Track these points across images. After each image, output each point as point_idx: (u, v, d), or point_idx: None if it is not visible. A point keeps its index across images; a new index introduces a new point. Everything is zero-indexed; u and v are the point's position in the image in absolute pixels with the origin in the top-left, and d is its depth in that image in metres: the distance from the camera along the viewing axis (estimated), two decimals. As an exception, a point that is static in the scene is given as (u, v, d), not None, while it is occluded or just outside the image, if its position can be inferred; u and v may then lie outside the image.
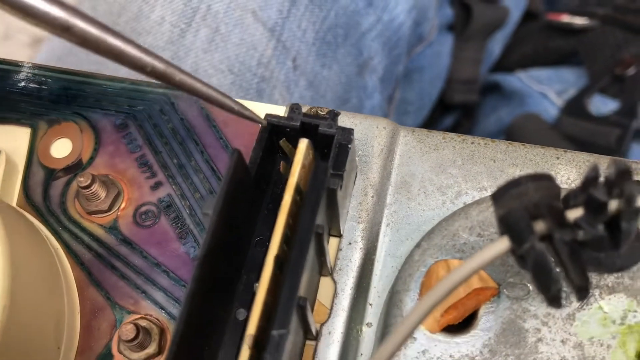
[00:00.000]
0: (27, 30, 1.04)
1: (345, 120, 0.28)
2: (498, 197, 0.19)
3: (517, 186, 0.19)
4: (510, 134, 0.63)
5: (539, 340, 0.22)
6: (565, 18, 0.69)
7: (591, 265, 0.19)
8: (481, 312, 0.23)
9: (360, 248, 0.26)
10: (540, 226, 0.19)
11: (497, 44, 0.71)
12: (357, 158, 0.28)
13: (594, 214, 0.18)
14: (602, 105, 0.62)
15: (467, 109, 0.71)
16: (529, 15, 0.72)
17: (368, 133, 0.28)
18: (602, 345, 0.22)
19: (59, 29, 0.19)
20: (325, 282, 0.26)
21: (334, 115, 0.25)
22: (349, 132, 0.25)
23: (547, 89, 0.66)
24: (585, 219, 0.18)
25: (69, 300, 0.26)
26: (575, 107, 0.63)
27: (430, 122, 0.68)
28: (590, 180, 0.18)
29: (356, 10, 0.53)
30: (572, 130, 0.62)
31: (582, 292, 0.18)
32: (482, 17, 0.66)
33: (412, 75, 0.63)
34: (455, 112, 0.72)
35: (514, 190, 0.19)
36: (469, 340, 0.22)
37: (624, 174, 0.17)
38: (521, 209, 0.19)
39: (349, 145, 0.25)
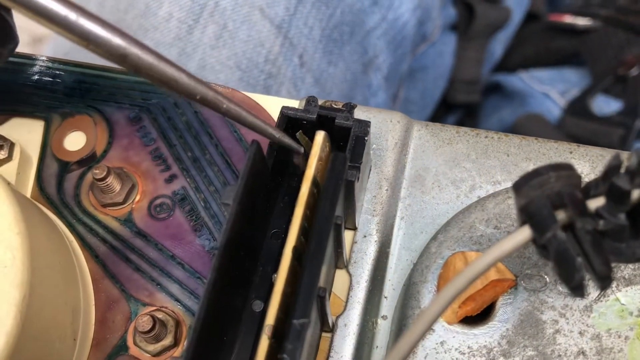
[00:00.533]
0: (28, 29, 1.04)
1: (359, 114, 0.29)
2: (519, 186, 0.19)
3: (539, 176, 0.19)
4: (514, 133, 0.63)
5: (557, 331, 0.22)
6: (568, 19, 0.69)
7: (611, 255, 0.19)
8: (499, 303, 0.23)
9: (375, 241, 0.26)
10: (562, 215, 0.19)
11: (499, 45, 0.71)
12: (371, 152, 0.28)
13: (616, 203, 0.18)
14: (605, 105, 0.62)
15: (469, 109, 0.71)
16: (531, 16, 0.72)
17: (382, 127, 0.28)
18: (619, 336, 0.22)
19: (117, 56, 0.20)
20: (340, 275, 0.26)
21: (350, 107, 0.25)
22: (365, 124, 0.25)
23: (549, 89, 0.66)
24: (606, 208, 0.18)
25: (84, 293, 0.26)
26: (578, 107, 0.63)
27: (434, 122, 0.68)
28: (613, 169, 0.18)
29: (362, 9, 0.53)
30: (576, 130, 0.62)
31: (605, 281, 0.18)
32: (485, 17, 0.66)
33: (415, 74, 0.63)
34: (457, 112, 0.72)
35: (535, 180, 0.19)
36: (486, 331, 0.22)
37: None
38: (543, 198, 0.19)
39: (366, 138, 0.25)
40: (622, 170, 0.18)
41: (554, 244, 0.18)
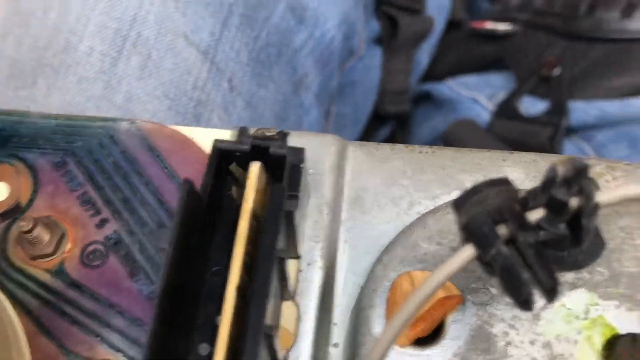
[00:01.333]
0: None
1: (293, 139, 0.28)
2: (459, 205, 0.19)
3: (477, 193, 0.19)
4: (446, 140, 0.64)
5: (508, 343, 0.22)
6: (489, 25, 0.71)
7: (554, 265, 0.19)
8: (448, 321, 0.22)
9: (320, 267, 0.26)
10: (503, 230, 0.19)
11: (424, 54, 0.72)
12: (308, 177, 0.27)
13: (555, 214, 0.18)
14: (532, 106, 0.64)
15: (402, 119, 0.72)
16: (452, 25, 0.74)
17: (317, 151, 0.28)
18: (569, 341, 0.22)
19: None
20: (287, 307, 0.25)
21: (283, 135, 0.25)
22: (300, 151, 0.25)
23: (477, 94, 0.68)
24: (547, 219, 0.18)
25: (19, 354, 0.24)
26: (506, 110, 0.64)
27: (367, 134, 0.69)
28: (550, 180, 0.18)
29: (288, 28, 0.53)
30: (506, 132, 0.63)
31: (552, 293, 0.18)
32: (408, 28, 0.67)
33: (345, 89, 0.63)
34: (390, 122, 0.72)
35: (475, 197, 0.19)
36: (439, 351, 0.22)
37: (582, 171, 0.18)
38: (484, 214, 0.19)
39: (301, 165, 0.24)
40: (559, 179, 0.18)
41: (498, 260, 0.18)
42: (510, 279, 0.18)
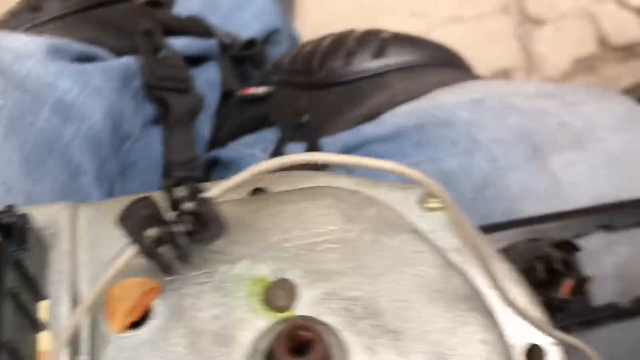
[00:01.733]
0: None
1: (29, 210, 0.36)
2: (121, 222, 0.28)
3: (130, 209, 0.28)
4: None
5: (196, 310, 0.31)
6: (252, 90, 0.82)
7: (199, 242, 0.29)
8: (153, 306, 0.31)
9: (67, 301, 0.34)
10: (152, 232, 0.28)
11: (204, 125, 0.81)
12: (47, 235, 0.35)
13: (178, 211, 0.28)
14: (295, 149, 0.75)
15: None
16: (226, 95, 0.85)
17: (52, 216, 0.36)
18: (240, 297, 0.31)
19: None
20: (44, 335, 0.33)
21: (10, 207, 0.33)
22: (24, 216, 0.33)
23: (255, 150, 0.78)
24: (177, 217, 0.28)
25: None
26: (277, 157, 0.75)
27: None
28: (169, 193, 0.28)
29: (54, 128, 0.60)
30: (277, 176, 0.73)
31: (184, 259, 0.27)
32: (179, 107, 0.76)
33: (127, 169, 0.71)
34: (189, 190, 0.80)
35: (127, 212, 0.28)
36: (148, 328, 0.31)
37: (189, 183, 0.28)
38: (136, 223, 0.28)
39: (27, 226, 0.32)
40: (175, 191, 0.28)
41: (148, 252, 0.27)
42: (156, 260, 0.27)
